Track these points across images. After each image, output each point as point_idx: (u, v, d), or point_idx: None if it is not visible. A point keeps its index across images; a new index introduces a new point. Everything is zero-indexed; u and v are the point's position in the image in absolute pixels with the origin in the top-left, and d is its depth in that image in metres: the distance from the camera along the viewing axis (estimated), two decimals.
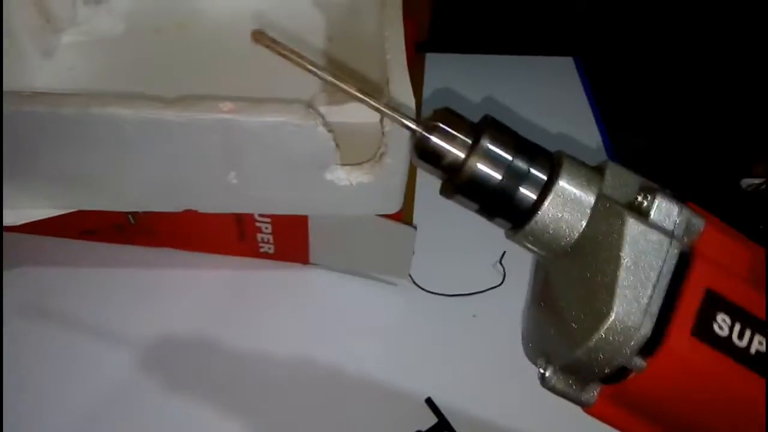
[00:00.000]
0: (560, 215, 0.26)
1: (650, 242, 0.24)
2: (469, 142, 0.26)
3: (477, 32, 0.88)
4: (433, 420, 0.50)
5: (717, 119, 0.82)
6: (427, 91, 0.77)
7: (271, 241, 0.57)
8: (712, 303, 0.23)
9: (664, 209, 0.25)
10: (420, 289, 0.58)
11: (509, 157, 0.26)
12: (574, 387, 0.26)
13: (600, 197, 0.26)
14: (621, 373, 0.24)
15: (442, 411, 0.50)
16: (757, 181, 0.70)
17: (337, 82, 0.29)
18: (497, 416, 0.50)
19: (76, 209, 0.49)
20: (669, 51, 0.87)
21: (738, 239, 0.25)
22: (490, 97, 0.77)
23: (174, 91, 0.43)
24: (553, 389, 0.26)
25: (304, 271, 0.59)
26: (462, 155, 0.26)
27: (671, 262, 0.24)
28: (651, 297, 0.23)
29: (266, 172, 0.45)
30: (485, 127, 0.27)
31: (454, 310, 0.57)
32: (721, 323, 0.23)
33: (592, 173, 0.26)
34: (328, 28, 0.62)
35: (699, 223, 0.25)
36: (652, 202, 0.25)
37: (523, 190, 0.26)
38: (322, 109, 0.45)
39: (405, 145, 0.44)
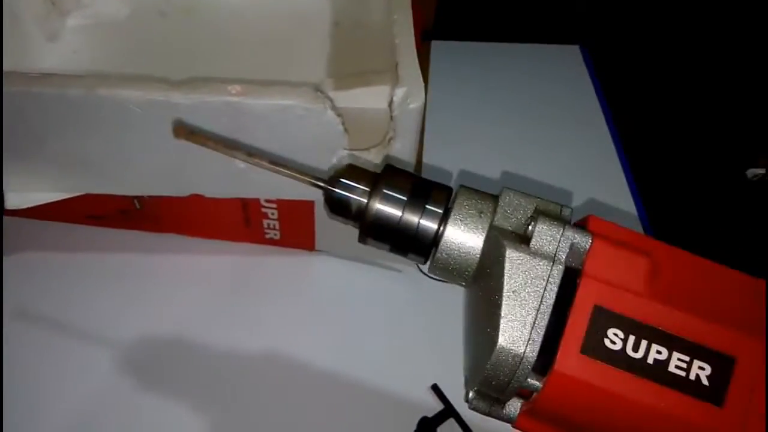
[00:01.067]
0: (459, 246, 0.27)
1: (530, 269, 0.25)
2: (368, 189, 0.28)
3: (482, 20, 0.87)
4: (439, 406, 0.50)
5: (723, 110, 0.82)
6: (432, 79, 0.76)
7: (277, 227, 0.57)
8: (602, 319, 0.24)
9: (544, 233, 0.25)
10: (426, 276, 0.58)
11: (405, 197, 0.28)
12: (493, 406, 0.27)
13: (490, 227, 0.27)
14: (529, 391, 0.26)
15: (448, 397, 0.50)
16: (762, 171, 0.70)
17: (250, 160, 0.32)
18: None
19: (81, 193, 0.49)
20: (675, 39, 0.86)
21: (632, 250, 0.25)
22: (495, 85, 0.76)
23: (179, 74, 0.43)
24: (476, 410, 0.28)
25: (310, 257, 0.59)
26: (364, 201, 0.28)
27: (554, 286, 0.24)
28: (534, 322, 0.24)
29: (273, 156, 0.44)
30: (382, 174, 0.29)
31: (460, 296, 0.57)
32: (613, 338, 0.23)
33: (487, 203, 0.28)
34: (334, 13, 0.61)
35: (585, 241, 0.25)
36: (533, 228, 0.25)
37: (423, 225, 0.28)
38: (331, 93, 0.45)
39: (414, 130, 0.44)
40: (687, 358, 0.23)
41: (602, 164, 0.69)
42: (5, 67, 0.42)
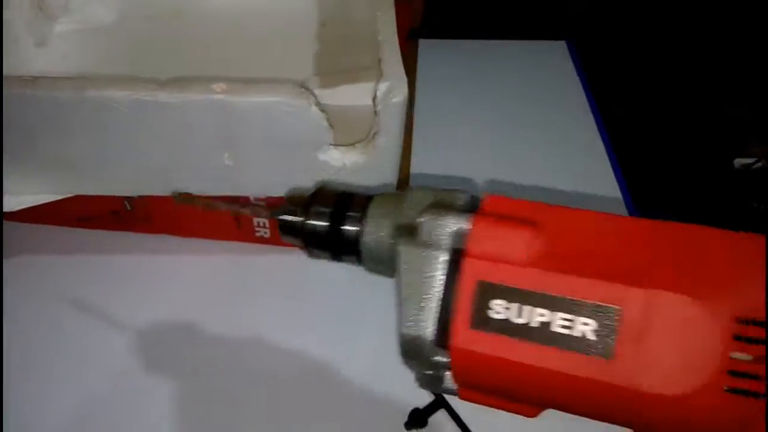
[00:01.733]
0: (374, 246, 0.31)
1: (420, 258, 0.27)
2: (303, 209, 0.33)
3: (470, 18, 0.88)
4: (429, 398, 0.50)
5: (710, 101, 0.83)
6: (420, 77, 0.77)
7: (267, 225, 0.57)
8: (486, 293, 0.25)
9: (430, 224, 0.27)
10: None
11: (329, 209, 0.32)
12: (435, 383, 0.29)
13: (395, 225, 0.30)
14: None
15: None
16: (749, 160, 0.71)
17: (241, 210, 0.37)
18: None
19: (73, 194, 0.50)
20: (661, 32, 0.87)
21: (514, 222, 0.26)
22: (483, 82, 0.77)
23: (167, 76, 0.43)
24: (424, 388, 0.30)
25: (301, 255, 0.59)
26: (299, 220, 0.33)
27: (441, 271, 0.26)
28: (428, 306, 0.26)
29: (260, 153, 0.45)
30: (313, 194, 0.33)
31: None
32: (497, 308, 0.24)
33: (396, 203, 0.30)
34: (321, 13, 0.62)
35: (467, 224, 0.26)
36: (421, 221, 0.28)
37: (345, 230, 0.31)
38: (317, 91, 0.46)
39: (397, 124, 0.45)
40: (570, 317, 0.23)
41: (590, 158, 0.70)
42: None
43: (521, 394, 0.26)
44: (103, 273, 0.57)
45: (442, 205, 0.28)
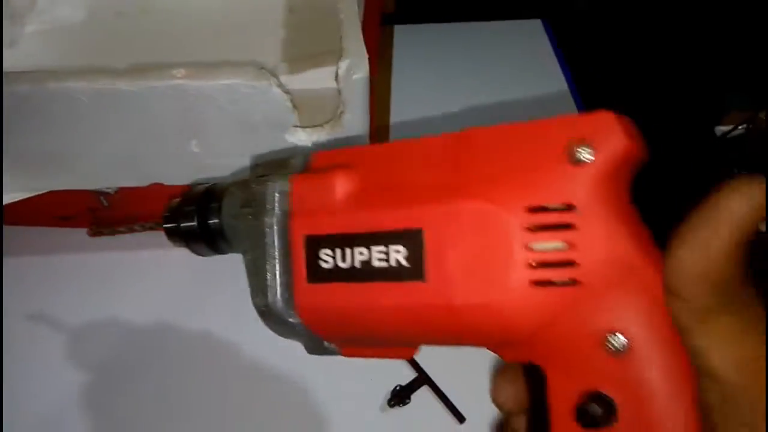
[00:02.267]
0: (232, 229, 0.31)
1: (252, 228, 0.28)
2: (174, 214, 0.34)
3: (443, 1, 0.88)
4: (412, 375, 0.50)
5: (689, 71, 0.83)
6: (397, 63, 0.77)
7: None
8: (313, 246, 0.26)
9: (258, 193, 0.28)
10: None
11: (194, 207, 0.33)
12: (318, 347, 0.29)
13: (240, 204, 0.30)
14: None
15: (423, 366, 0.51)
16: (729, 127, 0.71)
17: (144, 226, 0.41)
18: (475, 369, 0.51)
19: (45, 191, 0.50)
20: (636, 5, 0.87)
21: (327, 173, 0.26)
22: (460, 64, 0.77)
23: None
24: (312, 354, 0.30)
25: None
26: (174, 225, 0.34)
27: (273, 235, 0.27)
28: (271, 272, 0.27)
29: (227, 137, 0.45)
30: (182, 197, 0.34)
31: None
32: (325, 258, 0.25)
33: (244, 183, 0.30)
34: (289, 0, 0.62)
35: (286, 185, 0.27)
36: (252, 192, 0.28)
37: (211, 222, 0.32)
38: (284, 77, 0.46)
39: (361, 101, 0.45)
40: (383, 248, 0.24)
41: None
42: None
43: (375, 336, 0.26)
44: (87, 269, 0.58)
45: (272, 172, 0.28)
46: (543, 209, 0.21)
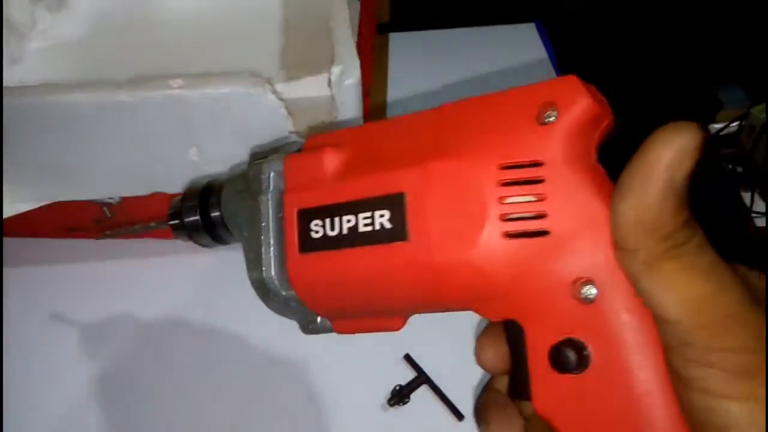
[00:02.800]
0: (233, 217, 0.33)
1: (249, 207, 0.29)
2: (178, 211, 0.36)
3: (438, 9, 0.89)
4: (411, 375, 0.51)
5: (682, 69, 0.83)
6: (393, 70, 0.78)
7: None
8: (305, 218, 0.27)
9: (253, 175, 0.29)
10: None
11: (195, 202, 0.35)
12: (313, 325, 0.31)
13: (237, 192, 0.32)
14: None
15: (421, 366, 0.51)
16: (722, 125, 0.71)
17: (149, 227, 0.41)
18: (474, 368, 0.51)
19: (49, 202, 0.51)
20: (631, 8, 0.88)
21: (317, 150, 0.28)
22: (454, 70, 0.78)
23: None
24: (307, 333, 0.31)
25: None
26: (179, 220, 0.36)
27: (267, 211, 0.29)
28: (265, 248, 0.28)
29: (224, 145, 0.46)
30: (184, 194, 0.36)
31: None
32: (315, 228, 0.27)
33: (243, 173, 0.32)
34: (284, 10, 0.63)
35: (280, 164, 0.29)
36: (247, 174, 0.30)
37: (213, 215, 0.34)
38: (281, 85, 0.47)
39: (354, 106, 0.46)
40: (369, 214, 0.25)
41: None
42: None
43: (366, 304, 0.27)
44: (95, 278, 0.59)
45: (269, 155, 0.30)
46: (514, 166, 0.22)
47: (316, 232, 0.26)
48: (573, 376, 0.22)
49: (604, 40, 0.85)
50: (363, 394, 0.50)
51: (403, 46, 0.81)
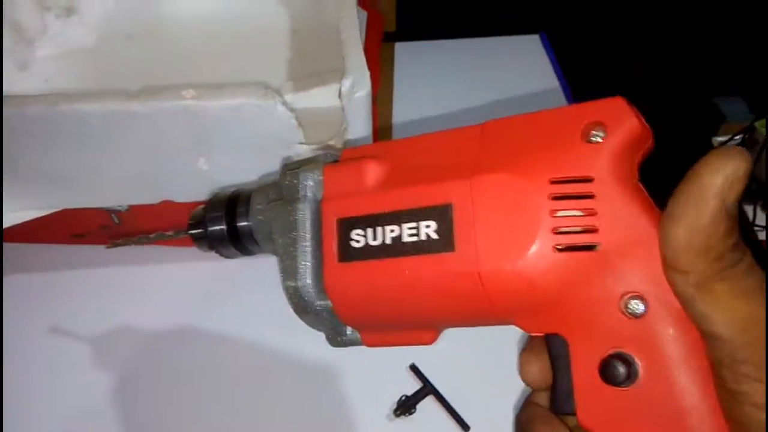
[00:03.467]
0: (262, 227, 0.33)
1: (285, 215, 0.29)
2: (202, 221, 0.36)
3: (443, 19, 0.90)
4: (417, 385, 0.51)
5: (685, 82, 0.84)
6: (399, 80, 0.79)
7: None
8: (345, 227, 0.27)
9: (288, 184, 0.29)
10: None
11: (221, 212, 0.34)
12: (341, 337, 0.30)
13: (269, 201, 0.32)
14: None
15: (427, 376, 0.52)
16: (725, 138, 0.72)
17: (164, 236, 0.41)
18: (479, 378, 0.52)
19: (59, 209, 0.51)
20: (637, 20, 0.89)
21: (358, 161, 0.28)
22: (459, 79, 0.78)
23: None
24: (334, 345, 0.31)
25: None
26: (202, 231, 0.35)
27: (305, 220, 0.28)
28: (301, 256, 0.28)
29: (234, 155, 0.47)
30: (208, 203, 0.36)
31: None
32: (357, 237, 0.27)
33: (273, 184, 0.32)
34: (292, 21, 0.64)
35: (319, 173, 0.29)
36: (284, 183, 0.30)
37: (239, 225, 0.34)
38: (289, 96, 0.47)
39: (364, 118, 0.46)
40: (414, 224, 0.25)
41: None
42: None
43: (402, 315, 0.27)
44: (101, 284, 0.59)
45: (304, 165, 0.30)
46: (565, 181, 0.23)
47: (357, 241, 0.26)
48: (620, 389, 0.22)
49: (607, 51, 0.86)
50: (369, 403, 0.50)
51: (408, 55, 0.82)
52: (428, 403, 0.50)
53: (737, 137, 0.71)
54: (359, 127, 0.46)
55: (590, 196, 0.22)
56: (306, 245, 0.28)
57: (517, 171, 0.23)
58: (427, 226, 0.25)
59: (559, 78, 0.78)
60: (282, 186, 0.30)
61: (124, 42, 0.63)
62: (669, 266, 0.21)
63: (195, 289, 0.59)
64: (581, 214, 0.22)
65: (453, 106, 0.75)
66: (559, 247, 0.22)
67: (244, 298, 0.58)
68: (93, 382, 0.52)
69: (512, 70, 0.79)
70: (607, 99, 0.23)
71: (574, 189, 0.22)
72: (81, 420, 0.50)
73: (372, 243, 0.26)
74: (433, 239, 0.25)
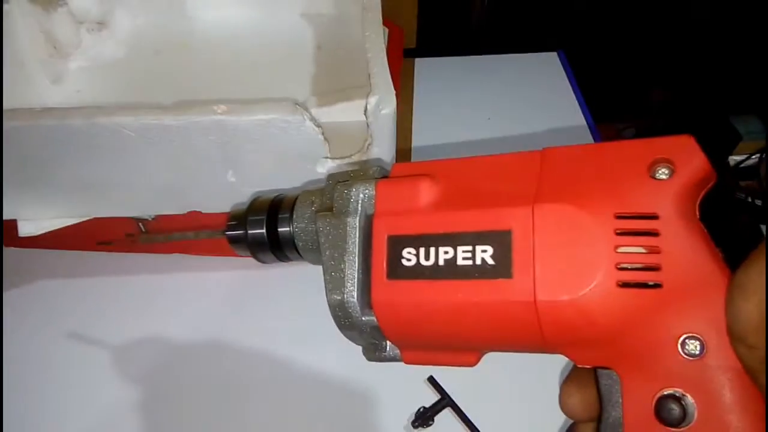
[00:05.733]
0: (304, 235, 0.33)
1: (335, 228, 0.29)
2: (242, 222, 0.35)
3: (463, 36, 0.91)
4: (435, 397, 0.52)
5: (702, 100, 0.85)
6: (418, 95, 0.80)
7: None
8: (396, 245, 0.27)
9: (340, 196, 0.29)
10: None
11: (263, 216, 0.34)
12: (379, 352, 0.30)
13: (316, 211, 0.32)
14: None
15: (444, 388, 0.52)
16: (742, 157, 0.73)
17: (199, 235, 0.40)
18: (497, 391, 0.52)
19: (89, 217, 0.53)
20: (653, 41, 0.89)
21: (412, 179, 0.28)
22: (478, 95, 0.80)
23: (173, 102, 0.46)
24: (371, 360, 0.31)
25: (308, 267, 0.62)
26: (242, 232, 0.35)
27: (355, 234, 0.28)
28: (348, 270, 0.28)
29: (261, 168, 0.48)
30: (249, 206, 0.36)
31: None
32: (408, 256, 0.26)
33: (318, 193, 0.33)
34: (317, 37, 0.65)
35: (371, 189, 0.29)
36: (334, 194, 0.30)
37: (281, 231, 0.34)
38: (315, 110, 0.48)
39: (388, 134, 0.47)
40: (469, 248, 0.25)
41: None
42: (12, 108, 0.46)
43: (448, 337, 0.27)
44: (124, 292, 0.60)
45: (354, 178, 0.30)
46: (630, 217, 0.23)
47: (408, 260, 0.26)
48: (674, 429, 0.22)
49: (625, 70, 0.87)
50: (387, 415, 0.51)
51: (427, 71, 0.83)
52: (446, 416, 0.51)
53: (755, 156, 0.72)
54: (384, 143, 0.47)
55: (655, 234, 0.22)
56: (354, 259, 0.28)
57: (581, 202, 0.23)
58: (484, 251, 0.25)
59: (577, 95, 0.79)
60: (331, 197, 0.30)
61: (153, 56, 0.64)
62: (735, 338, 0.21)
63: (220, 298, 0.60)
64: (645, 251, 0.22)
65: (470, 121, 0.77)
66: (622, 283, 0.22)
67: (264, 309, 0.59)
68: (114, 387, 0.53)
69: (531, 86, 0.80)
70: (677, 136, 0.23)
71: (639, 225, 0.22)
72: (104, 423, 0.51)
73: (424, 263, 0.26)
74: (489, 264, 0.25)
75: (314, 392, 0.53)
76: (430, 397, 0.52)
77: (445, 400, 0.52)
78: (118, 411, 0.52)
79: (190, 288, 0.61)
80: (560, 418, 0.49)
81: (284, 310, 0.59)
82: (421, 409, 0.51)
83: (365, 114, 0.46)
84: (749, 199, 0.69)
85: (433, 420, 0.51)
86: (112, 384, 0.54)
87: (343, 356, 0.54)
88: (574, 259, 0.23)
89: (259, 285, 0.61)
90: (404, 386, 0.53)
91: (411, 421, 0.50)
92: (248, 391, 0.53)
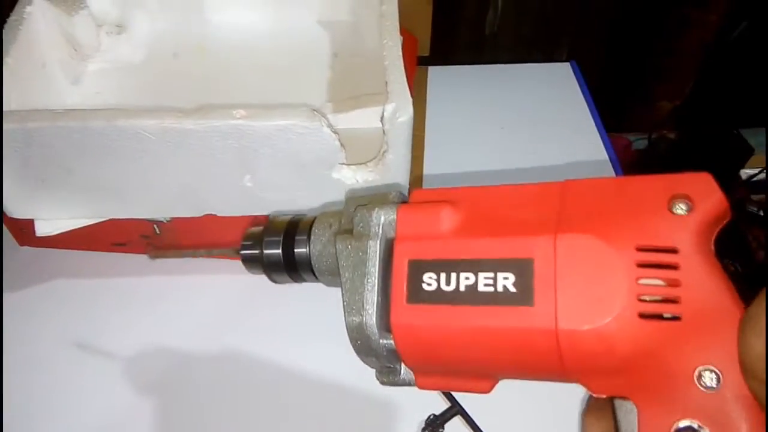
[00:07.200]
0: (322, 258, 0.33)
1: (355, 251, 0.29)
2: (258, 242, 0.35)
3: (476, 45, 0.92)
4: (445, 405, 0.52)
5: (714, 114, 0.85)
6: (431, 103, 0.80)
7: None
8: (417, 269, 0.27)
9: (361, 220, 0.29)
10: None
11: (279, 237, 0.34)
12: (393, 376, 0.30)
13: (335, 233, 0.32)
14: None
15: (455, 396, 0.52)
16: (755, 171, 0.73)
17: (212, 253, 0.41)
18: (508, 401, 0.52)
19: (106, 218, 0.53)
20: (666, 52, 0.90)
21: (433, 204, 0.28)
22: (490, 104, 0.80)
23: (192, 106, 0.47)
24: (384, 384, 0.31)
25: None
26: (257, 252, 0.35)
27: (375, 258, 0.29)
28: (367, 292, 0.28)
29: (278, 173, 0.48)
30: (265, 226, 0.36)
31: None
32: (429, 281, 0.27)
33: (336, 217, 0.33)
34: (333, 44, 0.66)
35: (393, 213, 0.29)
36: (355, 218, 0.30)
37: (297, 252, 0.34)
38: (330, 116, 0.49)
39: (404, 142, 0.48)
40: (491, 275, 0.25)
41: (597, 175, 0.72)
42: (33, 109, 0.47)
43: (465, 363, 0.27)
44: (137, 292, 0.61)
45: (374, 202, 0.30)
46: (651, 250, 0.23)
47: (429, 284, 0.26)
48: None
49: (637, 82, 0.87)
50: (397, 422, 0.51)
51: (440, 79, 0.83)
52: (456, 424, 0.51)
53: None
54: (399, 150, 0.48)
55: (675, 267, 0.23)
56: (374, 282, 0.28)
57: (603, 233, 0.24)
58: (505, 278, 0.25)
59: (590, 106, 0.79)
60: (350, 220, 0.30)
61: (170, 59, 0.65)
62: (747, 372, 0.21)
63: (234, 299, 0.60)
64: (664, 284, 0.23)
65: (483, 129, 0.77)
66: (643, 314, 0.23)
67: (275, 312, 0.59)
68: (122, 386, 0.54)
69: (543, 96, 0.81)
70: (695, 173, 0.24)
71: (659, 258, 0.23)
72: (114, 424, 0.52)
73: (445, 288, 0.26)
74: (510, 292, 0.25)
75: (324, 399, 0.53)
76: (441, 405, 0.52)
77: (456, 408, 0.52)
78: (125, 411, 0.52)
79: (202, 289, 0.61)
80: (570, 431, 0.49)
81: (295, 314, 0.59)
82: (432, 417, 0.51)
83: (381, 121, 0.47)
84: (761, 213, 0.69)
85: (443, 428, 0.51)
86: (120, 384, 0.54)
87: (354, 364, 0.54)
88: (595, 289, 0.23)
89: (270, 288, 0.61)
90: (415, 393, 0.52)
91: (421, 428, 0.50)
92: (257, 394, 0.54)
